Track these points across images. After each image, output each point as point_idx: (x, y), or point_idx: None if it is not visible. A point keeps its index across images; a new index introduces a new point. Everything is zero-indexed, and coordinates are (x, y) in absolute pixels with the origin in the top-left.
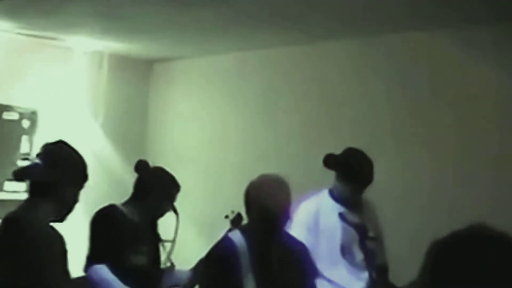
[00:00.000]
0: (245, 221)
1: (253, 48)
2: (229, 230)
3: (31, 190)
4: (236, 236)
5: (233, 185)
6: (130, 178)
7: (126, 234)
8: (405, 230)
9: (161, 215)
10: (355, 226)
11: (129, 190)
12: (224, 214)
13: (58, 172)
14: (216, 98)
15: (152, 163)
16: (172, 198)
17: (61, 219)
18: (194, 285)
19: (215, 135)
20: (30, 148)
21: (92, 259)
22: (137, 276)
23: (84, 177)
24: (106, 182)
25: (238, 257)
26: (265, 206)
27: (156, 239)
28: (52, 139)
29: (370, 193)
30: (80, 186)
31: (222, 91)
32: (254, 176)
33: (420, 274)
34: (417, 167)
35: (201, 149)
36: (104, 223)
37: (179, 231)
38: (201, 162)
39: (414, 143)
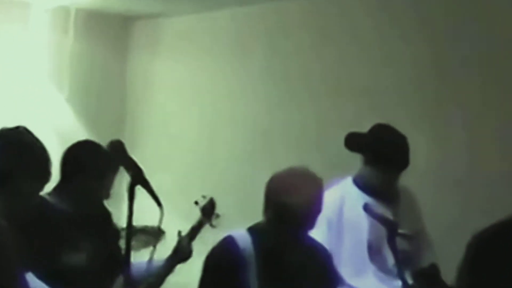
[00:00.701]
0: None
1: (255, 1)
2: (200, 221)
3: None
4: (241, 237)
5: (229, 169)
6: None
7: (56, 229)
8: (442, 220)
9: (98, 200)
10: (382, 220)
11: None
12: (239, 215)
13: (15, 161)
14: (209, 63)
15: (131, 143)
16: (107, 178)
17: (12, 217)
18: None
19: (207, 108)
20: None
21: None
22: (78, 280)
23: (46, 172)
24: None
25: (242, 263)
26: (288, 206)
27: (104, 230)
28: (7, 119)
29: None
30: (41, 181)
31: (217, 55)
32: (262, 162)
33: (461, 270)
34: (455, 148)
35: (190, 125)
36: (24, 218)
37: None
38: (190, 141)
39: (450, 117)
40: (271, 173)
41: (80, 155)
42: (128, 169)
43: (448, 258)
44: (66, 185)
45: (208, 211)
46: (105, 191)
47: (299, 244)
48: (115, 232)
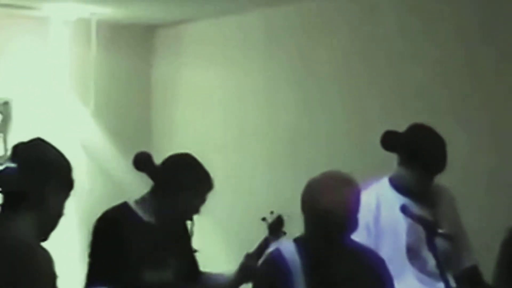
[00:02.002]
0: (296, 227)
1: (280, 2)
2: (267, 239)
3: (5, 202)
4: (288, 248)
5: (257, 175)
6: (131, 177)
7: (142, 242)
8: (489, 221)
9: (186, 217)
10: (421, 221)
11: (130, 192)
12: (260, 217)
13: (36, 178)
14: (234, 68)
15: (158, 156)
16: (203, 195)
17: (44, 237)
18: None
19: (233, 114)
20: (4, 148)
21: (94, 279)
22: None
23: (69, 183)
24: (102, 183)
25: (290, 276)
26: (324, 212)
27: (186, 247)
28: (31, 135)
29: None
30: (65, 194)
31: (242, 58)
32: (290, 165)
33: (498, 264)
34: (500, 147)
35: (217, 132)
36: (110, 229)
37: (200, 240)
38: (223, 150)
39: (481, 117)
40: (299, 178)
41: (180, 170)
42: (155, 179)
43: (488, 259)
44: (158, 197)
45: (276, 228)
46: (196, 208)
47: (345, 250)
48: (191, 247)
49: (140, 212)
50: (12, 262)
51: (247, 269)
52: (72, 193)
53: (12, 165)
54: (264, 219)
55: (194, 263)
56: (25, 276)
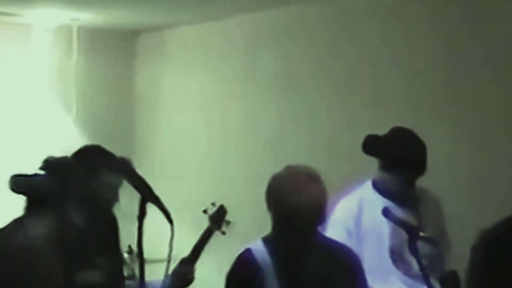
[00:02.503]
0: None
1: (262, 8)
2: (208, 230)
3: (28, 206)
4: (258, 248)
5: (239, 179)
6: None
7: (69, 244)
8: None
9: (108, 206)
10: (402, 224)
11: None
12: (248, 224)
13: (64, 188)
14: (217, 72)
15: (141, 158)
16: (101, 175)
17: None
18: None
19: (216, 119)
20: None
21: None
22: None
23: (94, 205)
24: None
25: (262, 276)
26: (289, 205)
27: (114, 245)
28: (11, 142)
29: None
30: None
31: (224, 63)
32: (267, 169)
33: (470, 269)
34: (482, 149)
35: (203, 140)
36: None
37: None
38: (203, 157)
39: (463, 119)
40: None
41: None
42: (136, 186)
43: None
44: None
45: (217, 219)
46: (113, 195)
47: (315, 246)
48: (118, 245)
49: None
50: (16, 263)
51: (180, 276)
52: None
53: (42, 173)
54: (205, 211)
55: (120, 266)
56: (28, 278)
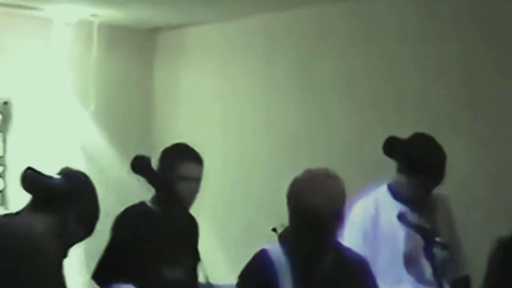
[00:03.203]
0: None
1: (281, 8)
2: None
3: (33, 202)
4: (274, 249)
5: (264, 183)
6: (131, 179)
7: (160, 240)
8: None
9: (191, 202)
10: (418, 229)
11: (132, 194)
12: (265, 224)
13: (74, 199)
14: (239, 73)
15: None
16: (197, 186)
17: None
18: None
19: (234, 117)
20: (4, 149)
21: (108, 273)
22: None
23: (91, 227)
24: (102, 185)
25: (277, 277)
26: (308, 208)
27: (193, 244)
28: (31, 136)
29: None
30: (83, 231)
31: (243, 62)
32: (283, 168)
33: (487, 275)
34: (498, 155)
35: (221, 138)
36: (129, 225)
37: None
38: (221, 155)
39: (480, 122)
40: None
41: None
42: (153, 184)
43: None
44: (164, 193)
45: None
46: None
47: (331, 253)
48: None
49: (156, 209)
50: (18, 255)
51: None
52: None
53: (58, 177)
54: (274, 230)
55: (196, 265)
56: (29, 272)
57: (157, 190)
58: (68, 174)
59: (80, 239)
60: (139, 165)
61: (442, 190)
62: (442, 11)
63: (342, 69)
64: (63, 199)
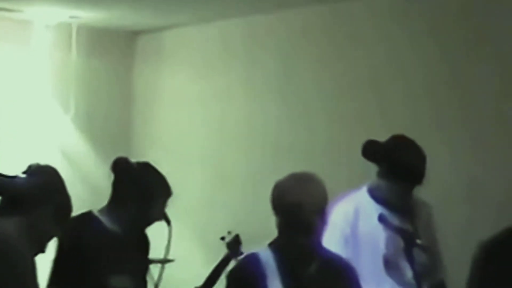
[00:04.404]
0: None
1: (263, 11)
2: (227, 256)
3: (4, 205)
4: (263, 253)
5: (244, 187)
6: (110, 182)
7: (105, 249)
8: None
9: (148, 224)
10: (399, 231)
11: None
12: (245, 227)
13: (43, 196)
14: (220, 75)
15: (139, 159)
16: (162, 204)
17: (33, 247)
18: None
19: (214, 120)
20: None
21: (58, 284)
22: None
23: (64, 218)
24: (81, 188)
25: (265, 280)
26: (291, 208)
27: (144, 255)
28: (10, 139)
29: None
30: (57, 225)
31: (226, 66)
32: (265, 170)
33: (469, 279)
34: (484, 163)
35: (201, 142)
36: (76, 235)
37: (173, 248)
38: (201, 158)
39: (463, 125)
40: None
41: (136, 181)
42: (132, 186)
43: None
44: (118, 208)
45: (235, 247)
46: (149, 219)
47: (318, 256)
48: (147, 256)
49: (103, 219)
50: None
51: None
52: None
53: (23, 176)
54: (222, 238)
55: (145, 275)
56: (2, 274)
57: (131, 193)
58: (35, 171)
59: (56, 233)
60: (119, 166)
61: (423, 194)
62: (422, 11)
63: (323, 72)
64: (30, 198)
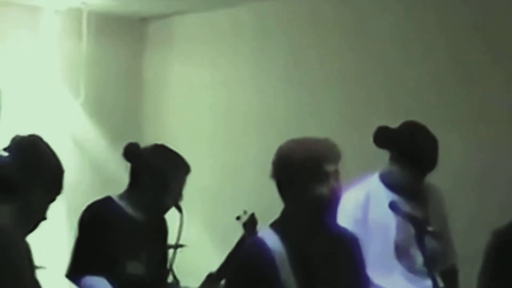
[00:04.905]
0: (264, 223)
1: None
2: (243, 237)
3: None
4: (268, 235)
5: (253, 174)
6: (120, 168)
7: (123, 235)
8: (480, 222)
9: (168, 207)
10: (410, 218)
11: (120, 184)
12: (249, 209)
13: (26, 173)
14: (229, 62)
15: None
16: (181, 182)
17: (24, 232)
18: None
19: (224, 107)
20: None
21: (78, 266)
22: None
23: (59, 187)
24: (92, 175)
25: (275, 263)
26: (293, 162)
27: (161, 242)
28: (20, 125)
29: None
30: (51, 197)
31: (235, 52)
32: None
33: (482, 269)
34: (494, 147)
35: (210, 128)
36: (96, 220)
37: (185, 234)
38: (213, 144)
39: (472, 115)
40: None
41: (152, 161)
42: (143, 171)
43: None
44: (137, 192)
45: (251, 227)
46: (170, 201)
47: (325, 229)
48: (165, 243)
49: (123, 204)
50: None
51: None
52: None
53: (5, 154)
54: (238, 218)
55: (165, 260)
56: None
57: (147, 178)
58: (16, 146)
59: (52, 200)
60: (131, 152)
61: (434, 181)
62: (434, 4)
63: (333, 59)
64: (14, 179)
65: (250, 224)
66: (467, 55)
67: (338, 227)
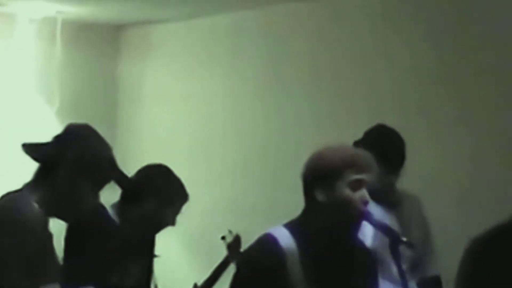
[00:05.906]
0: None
1: (250, 6)
2: (227, 258)
3: (38, 171)
4: (283, 234)
5: (222, 178)
6: None
7: (113, 246)
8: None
9: (159, 228)
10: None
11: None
12: (225, 222)
13: (68, 164)
14: (207, 71)
15: (123, 157)
16: (177, 208)
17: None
18: None
19: (200, 116)
20: None
21: (65, 277)
22: None
23: (102, 181)
24: None
25: (285, 264)
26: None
27: (149, 257)
28: None
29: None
30: (92, 187)
31: (212, 61)
32: (252, 165)
33: (458, 278)
34: (458, 152)
35: (187, 138)
36: (84, 230)
37: (162, 246)
38: (188, 155)
39: (450, 118)
40: (266, 182)
41: (155, 180)
42: (119, 182)
43: (450, 263)
44: (132, 206)
45: (235, 248)
46: (173, 219)
47: (345, 242)
48: (152, 258)
49: (113, 215)
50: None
51: None
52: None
53: (54, 141)
54: (223, 237)
55: (149, 276)
56: (16, 232)
57: (120, 187)
58: (64, 132)
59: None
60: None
61: (413, 188)
62: (411, 6)
63: (312, 68)
64: (56, 162)
65: (234, 245)
66: (448, 56)
67: (356, 238)
